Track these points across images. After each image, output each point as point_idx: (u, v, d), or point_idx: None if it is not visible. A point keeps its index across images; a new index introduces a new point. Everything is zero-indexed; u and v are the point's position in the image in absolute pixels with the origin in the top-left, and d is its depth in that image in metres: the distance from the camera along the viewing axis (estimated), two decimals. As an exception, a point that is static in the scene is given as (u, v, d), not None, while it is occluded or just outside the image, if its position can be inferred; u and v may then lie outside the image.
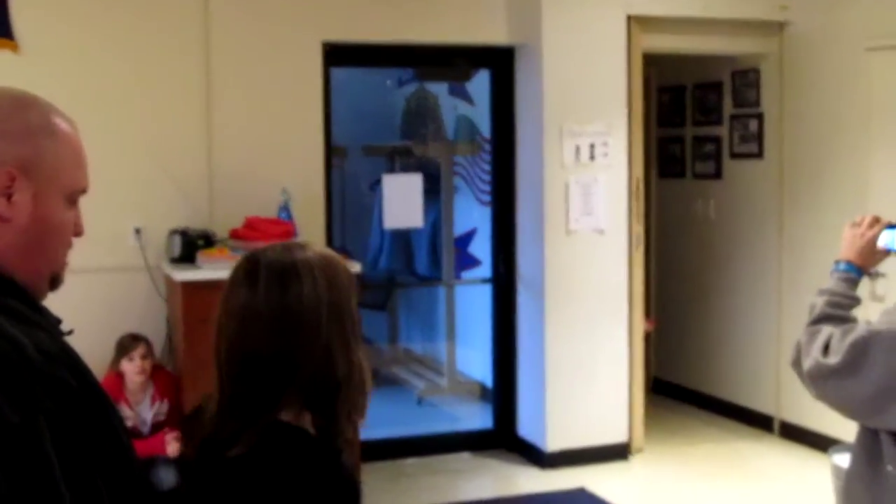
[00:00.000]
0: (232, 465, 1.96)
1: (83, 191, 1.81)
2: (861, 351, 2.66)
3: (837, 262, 2.98)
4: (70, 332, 1.75)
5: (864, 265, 2.94)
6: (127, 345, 5.80)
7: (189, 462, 2.13)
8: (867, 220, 2.95)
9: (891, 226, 2.92)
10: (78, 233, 1.82)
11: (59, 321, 1.74)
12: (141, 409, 5.80)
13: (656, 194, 8.63)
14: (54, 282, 1.79)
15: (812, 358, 2.78)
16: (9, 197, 1.69)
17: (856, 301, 2.90)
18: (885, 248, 2.91)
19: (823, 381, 2.78)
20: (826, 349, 2.76)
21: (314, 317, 2.02)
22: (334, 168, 7.05)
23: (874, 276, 2.99)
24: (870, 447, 2.78)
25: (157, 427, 5.78)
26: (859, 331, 2.70)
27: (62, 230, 1.78)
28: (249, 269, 2.07)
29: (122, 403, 5.71)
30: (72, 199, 1.79)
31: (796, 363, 2.86)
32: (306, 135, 6.59)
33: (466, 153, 8.29)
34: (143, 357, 5.78)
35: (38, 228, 1.72)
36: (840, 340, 2.73)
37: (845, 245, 2.99)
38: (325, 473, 1.98)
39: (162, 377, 5.93)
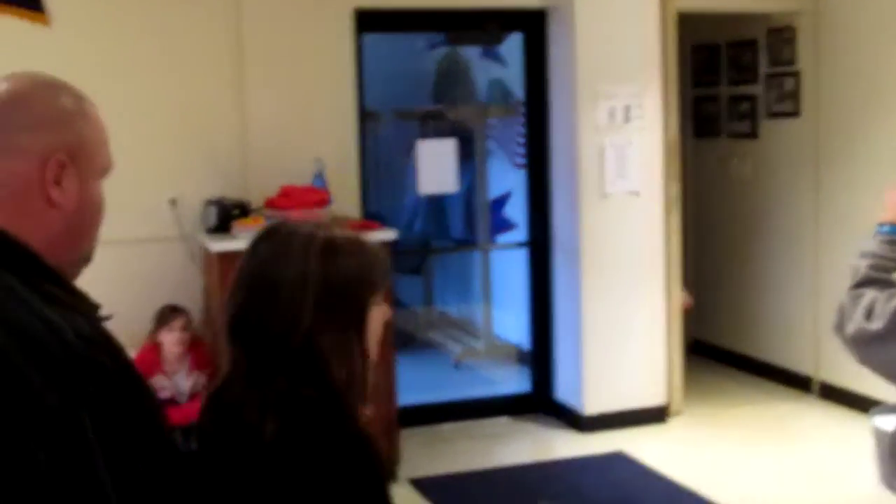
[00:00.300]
0: (263, 449, 1.95)
1: (111, 168, 1.84)
2: (905, 316, 2.63)
3: (881, 225, 2.93)
4: (109, 318, 1.76)
5: None
6: (167, 315, 5.84)
7: (207, 431, 2.10)
8: None
9: None
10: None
11: (97, 306, 1.75)
12: (178, 379, 5.83)
13: (691, 154, 8.56)
14: (87, 259, 1.83)
15: (855, 322, 2.75)
16: (59, 183, 1.71)
17: (900, 264, 2.86)
18: None
19: (867, 346, 2.75)
20: (870, 314, 2.72)
21: (293, 294, 2.00)
22: (367, 133, 7.04)
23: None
24: (914, 414, 2.76)
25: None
26: (904, 295, 2.67)
27: (101, 210, 1.81)
28: (260, 236, 2.10)
29: (160, 374, 5.75)
30: (104, 178, 1.82)
31: (839, 327, 2.83)
32: (339, 102, 6.56)
33: (499, 116, 8.26)
34: (183, 329, 5.82)
35: (84, 212, 1.76)
36: (884, 304, 2.69)
37: (888, 207, 2.94)
38: (349, 450, 1.97)
39: (199, 348, 5.95)
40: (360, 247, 2.10)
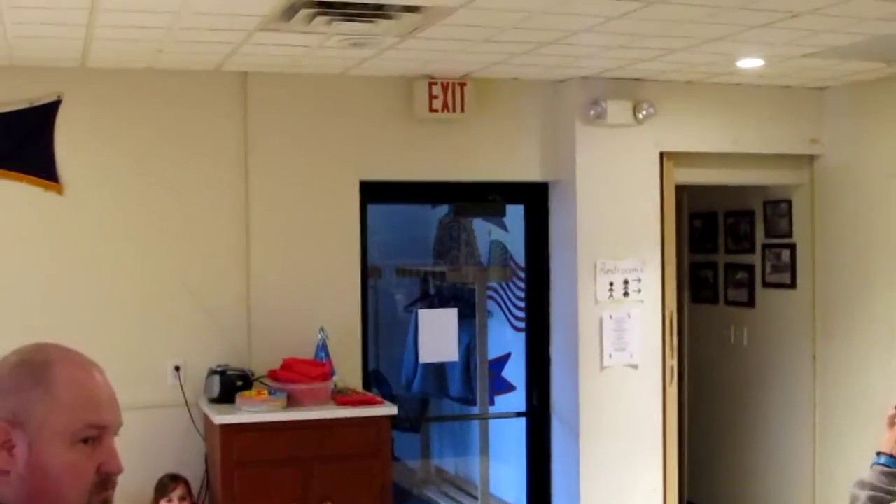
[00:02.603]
0: None
1: (101, 427, 1.81)
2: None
3: (878, 455, 3.02)
4: None
5: None
6: (165, 485, 5.87)
7: None
8: None
9: None
10: (110, 470, 1.81)
11: None
12: (178, 549, 5.84)
13: (689, 319, 8.64)
14: None
15: (856, 554, 2.83)
16: (10, 450, 1.76)
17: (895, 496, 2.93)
18: None
19: (869, 578, 2.83)
20: (871, 547, 2.80)
21: None
22: (368, 287, 7.10)
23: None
24: None
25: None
26: (900, 534, 2.74)
27: (68, 473, 1.78)
28: None
29: (159, 544, 5.77)
30: (83, 439, 1.79)
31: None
32: (343, 269, 6.65)
33: (500, 279, 8.33)
34: (182, 499, 5.85)
35: (36, 476, 1.76)
36: (882, 540, 2.76)
37: (886, 438, 3.03)
38: None
39: (199, 518, 5.97)
40: None
